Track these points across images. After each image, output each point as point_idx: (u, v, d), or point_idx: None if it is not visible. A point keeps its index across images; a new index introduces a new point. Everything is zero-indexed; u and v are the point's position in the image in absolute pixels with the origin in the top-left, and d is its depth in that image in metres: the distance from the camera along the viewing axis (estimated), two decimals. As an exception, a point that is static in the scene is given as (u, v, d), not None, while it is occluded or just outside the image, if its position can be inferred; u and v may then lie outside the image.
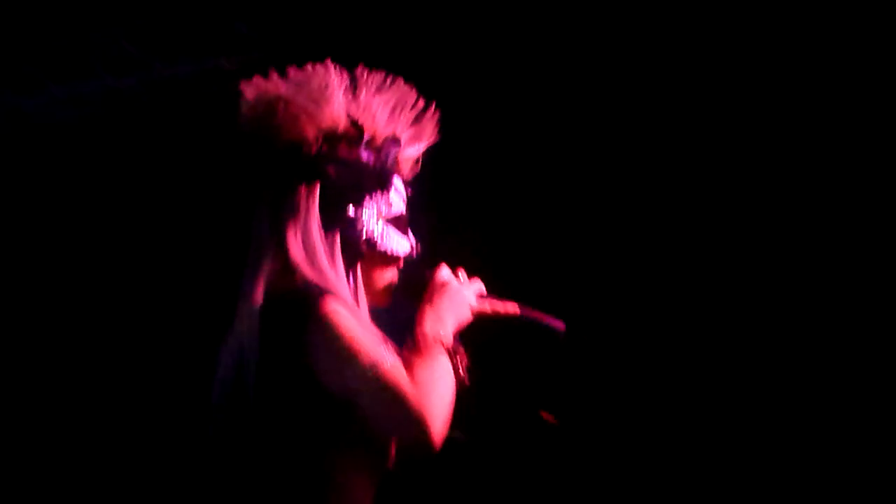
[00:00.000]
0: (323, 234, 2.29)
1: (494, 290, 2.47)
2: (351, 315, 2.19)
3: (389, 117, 2.38)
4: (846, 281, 4.14)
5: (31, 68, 4.83)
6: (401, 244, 2.40)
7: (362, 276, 2.37)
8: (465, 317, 2.36)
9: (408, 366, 2.20)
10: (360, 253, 2.35)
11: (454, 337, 2.33)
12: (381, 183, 2.35)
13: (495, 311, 2.41)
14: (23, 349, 5.06)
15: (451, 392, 2.22)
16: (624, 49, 4.34)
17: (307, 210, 2.29)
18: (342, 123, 2.34)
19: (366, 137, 2.34)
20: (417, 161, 2.46)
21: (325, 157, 2.31)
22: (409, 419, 2.14)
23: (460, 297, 2.36)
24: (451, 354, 2.28)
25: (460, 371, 2.29)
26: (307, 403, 2.17)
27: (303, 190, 2.30)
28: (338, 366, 2.15)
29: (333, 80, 2.36)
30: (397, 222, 2.40)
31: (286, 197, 2.31)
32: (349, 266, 2.34)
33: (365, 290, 2.38)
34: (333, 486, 2.19)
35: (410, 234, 2.43)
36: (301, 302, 2.17)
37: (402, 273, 2.44)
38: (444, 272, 2.42)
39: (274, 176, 2.32)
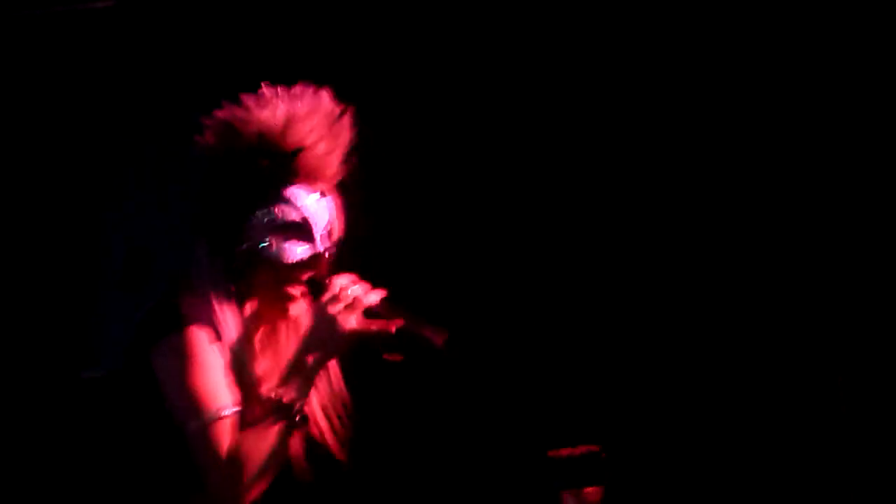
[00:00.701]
0: (212, 251, 2.39)
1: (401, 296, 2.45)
2: (206, 353, 2.23)
3: (289, 128, 2.41)
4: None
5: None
6: (290, 252, 2.40)
7: (261, 290, 2.40)
8: (337, 347, 2.32)
9: (236, 427, 2.21)
10: (249, 266, 2.38)
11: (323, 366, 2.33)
12: (262, 197, 2.40)
13: (375, 328, 2.35)
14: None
15: (260, 464, 2.21)
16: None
17: (202, 229, 2.41)
18: (241, 139, 2.41)
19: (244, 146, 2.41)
20: (340, 165, 2.48)
21: (218, 172, 2.43)
22: (206, 482, 2.21)
23: (332, 327, 2.31)
24: (290, 414, 2.24)
25: (293, 429, 2.26)
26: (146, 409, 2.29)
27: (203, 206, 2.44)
28: (170, 395, 2.25)
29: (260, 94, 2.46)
30: (294, 231, 2.40)
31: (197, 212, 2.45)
32: (243, 281, 2.38)
33: (265, 304, 2.42)
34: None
35: (319, 240, 2.43)
36: (168, 319, 2.27)
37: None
38: (336, 284, 2.37)
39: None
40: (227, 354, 2.30)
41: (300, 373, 2.26)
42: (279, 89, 2.49)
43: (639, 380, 4.22)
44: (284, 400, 2.22)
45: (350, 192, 2.55)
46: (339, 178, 2.49)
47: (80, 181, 4.78)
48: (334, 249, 2.48)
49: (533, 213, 4.43)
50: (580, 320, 4.30)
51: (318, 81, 2.55)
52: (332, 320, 2.29)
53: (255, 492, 2.22)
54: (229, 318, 2.34)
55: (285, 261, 2.39)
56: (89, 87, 4.70)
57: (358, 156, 2.53)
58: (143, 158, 4.67)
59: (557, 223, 4.41)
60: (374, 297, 2.35)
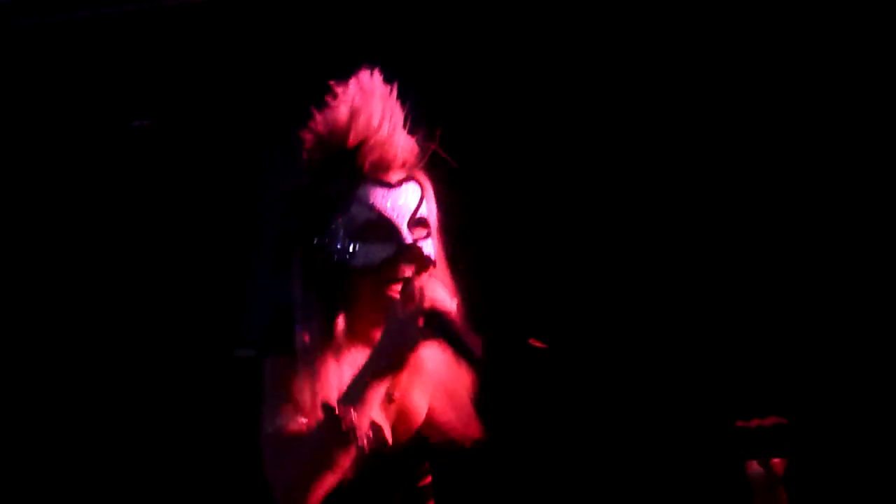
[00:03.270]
0: (303, 273, 2.34)
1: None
2: (278, 380, 2.27)
3: (351, 123, 2.35)
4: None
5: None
6: (375, 253, 2.29)
7: (362, 300, 2.31)
8: (401, 358, 2.24)
9: (304, 433, 2.25)
10: (342, 279, 2.30)
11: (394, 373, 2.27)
12: (336, 204, 2.32)
13: (435, 336, 2.26)
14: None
15: (314, 470, 2.20)
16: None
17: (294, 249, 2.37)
18: (319, 149, 2.38)
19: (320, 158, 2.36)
20: (406, 147, 2.36)
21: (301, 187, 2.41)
22: (271, 483, 2.25)
23: (400, 336, 2.22)
24: (349, 424, 2.20)
25: (359, 441, 2.22)
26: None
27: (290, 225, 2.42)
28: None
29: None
30: (373, 231, 2.30)
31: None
32: (341, 295, 2.31)
33: (362, 312, 2.32)
34: None
35: (404, 232, 2.30)
36: (269, 339, 2.35)
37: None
38: (412, 288, 2.27)
39: None
40: (308, 377, 2.29)
41: (361, 386, 2.21)
42: (342, 86, 2.42)
43: (827, 354, 4.18)
44: (341, 414, 2.18)
45: (438, 172, 2.43)
46: (413, 161, 2.37)
47: (233, 167, 4.88)
48: (433, 235, 2.37)
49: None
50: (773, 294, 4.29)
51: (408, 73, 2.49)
52: (401, 329, 2.21)
53: (318, 499, 2.22)
54: (314, 341, 2.30)
55: (372, 265, 2.29)
56: (241, 72, 4.78)
57: (429, 137, 2.42)
58: (294, 143, 4.74)
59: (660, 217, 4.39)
60: (451, 303, 2.24)
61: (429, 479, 2.52)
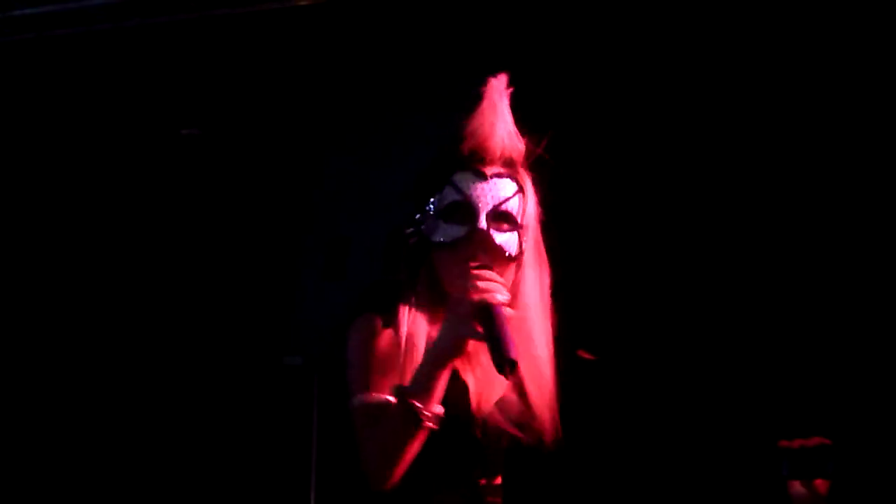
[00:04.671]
0: (408, 245, 2.46)
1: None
2: (367, 341, 2.37)
3: (471, 120, 2.45)
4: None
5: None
6: (447, 232, 2.41)
7: (439, 273, 2.43)
8: (457, 345, 2.31)
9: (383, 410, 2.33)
10: (424, 255, 2.44)
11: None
12: (435, 186, 2.45)
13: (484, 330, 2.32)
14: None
15: (392, 451, 2.30)
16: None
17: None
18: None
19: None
20: (506, 144, 2.45)
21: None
22: (363, 453, 2.34)
23: (457, 323, 2.30)
24: (416, 409, 2.29)
25: (424, 423, 2.30)
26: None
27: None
28: (348, 371, 2.41)
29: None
30: (455, 213, 2.42)
31: None
32: (423, 269, 2.44)
33: (444, 285, 2.43)
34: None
35: (482, 219, 2.41)
36: (362, 304, 2.44)
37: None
38: (474, 276, 2.35)
39: None
40: (396, 343, 2.39)
41: (424, 375, 2.31)
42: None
43: (872, 376, 4.16)
44: (408, 398, 2.29)
45: (540, 172, 2.51)
46: (515, 159, 2.46)
47: (283, 174, 4.91)
48: (522, 234, 2.44)
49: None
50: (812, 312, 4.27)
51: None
52: (455, 322, 2.30)
53: (397, 474, 2.31)
54: (405, 309, 2.41)
55: (444, 240, 2.41)
56: (293, 83, 4.81)
57: (535, 137, 2.50)
58: (345, 150, 4.76)
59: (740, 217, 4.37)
60: (502, 296, 2.31)
61: (498, 479, 2.54)
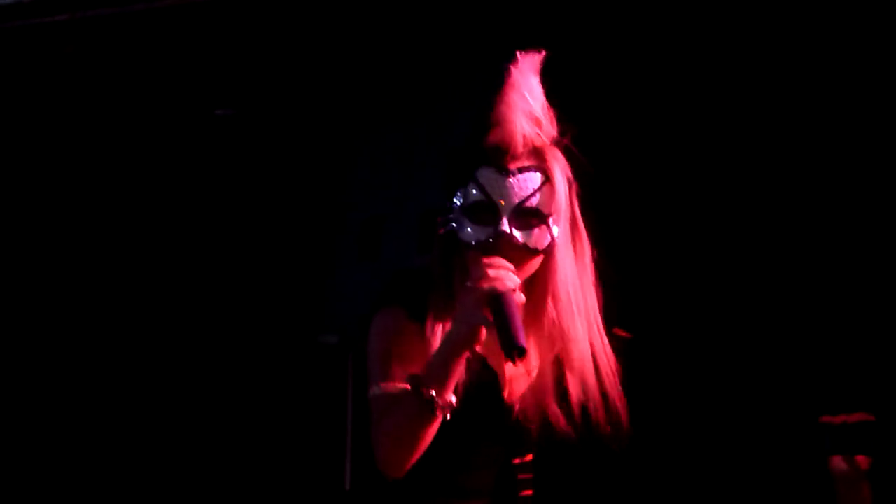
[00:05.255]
0: (439, 237, 2.44)
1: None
2: (390, 333, 2.35)
3: (496, 109, 2.41)
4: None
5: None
6: (471, 233, 2.36)
7: (467, 267, 2.37)
8: (469, 335, 2.28)
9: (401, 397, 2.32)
10: (450, 251, 2.41)
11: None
12: (460, 180, 2.42)
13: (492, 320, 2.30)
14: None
15: (405, 441, 2.29)
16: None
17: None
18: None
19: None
20: (531, 139, 2.40)
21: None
22: (374, 444, 2.34)
23: (467, 311, 2.28)
24: (429, 397, 2.27)
25: (436, 411, 2.28)
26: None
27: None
28: (367, 362, 2.39)
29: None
30: (479, 211, 2.37)
31: None
32: (456, 261, 2.41)
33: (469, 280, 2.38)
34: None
35: (504, 220, 2.35)
36: (386, 296, 2.41)
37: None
38: (484, 265, 2.32)
39: None
40: (421, 336, 2.36)
41: (438, 365, 2.28)
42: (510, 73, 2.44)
43: None
44: (423, 389, 2.26)
45: (570, 168, 2.43)
46: (537, 146, 2.40)
47: (318, 157, 4.93)
48: (551, 226, 2.39)
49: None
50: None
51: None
52: (467, 310, 2.28)
53: (407, 463, 2.30)
54: (433, 302, 2.38)
55: (469, 241, 2.36)
56: (328, 69, 4.82)
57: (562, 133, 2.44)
58: (381, 130, 4.77)
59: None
60: (511, 283, 2.28)
61: (529, 456, 2.55)
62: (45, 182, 5.14)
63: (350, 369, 4.77)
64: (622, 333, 2.84)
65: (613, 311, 2.56)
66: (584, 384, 2.44)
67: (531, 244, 2.35)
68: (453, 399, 2.28)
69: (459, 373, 2.28)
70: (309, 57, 4.88)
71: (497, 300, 2.23)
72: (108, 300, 5.08)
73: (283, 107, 4.94)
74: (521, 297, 2.28)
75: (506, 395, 2.46)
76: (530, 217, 2.36)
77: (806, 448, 3.67)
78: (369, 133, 4.78)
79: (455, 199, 2.39)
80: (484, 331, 2.26)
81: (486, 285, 2.25)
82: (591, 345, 2.44)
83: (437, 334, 2.35)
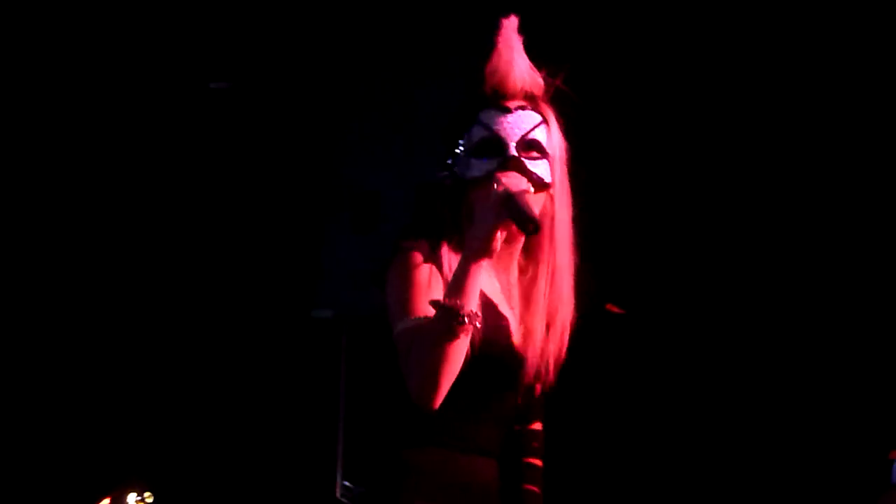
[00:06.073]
0: (445, 185, 2.51)
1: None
2: (412, 270, 2.40)
3: (491, 60, 2.51)
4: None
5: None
6: (480, 167, 2.46)
7: (476, 209, 2.44)
8: (486, 240, 2.36)
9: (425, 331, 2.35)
10: (460, 195, 2.49)
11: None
12: (463, 127, 2.51)
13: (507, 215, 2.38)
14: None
15: (437, 365, 2.32)
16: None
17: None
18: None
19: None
20: (526, 76, 2.50)
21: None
22: (406, 381, 2.35)
23: (483, 219, 2.37)
24: (454, 306, 2.31)
25: (462, 322, 2.31)
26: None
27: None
28: (389, 304, 2.43)
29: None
30: (485, 148, 2.48)
31: None
32: (463, 207, 2.47)
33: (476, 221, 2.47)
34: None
35: (512, 148, 2.46)
36: (399, 245, 2.46)
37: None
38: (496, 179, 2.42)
39: None
40: (440, 272, 2.43)
41: (459, 277, 2.35)
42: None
43: None
44: (447, 302, 2.31)
45: (561, 104, 2.53)
46: (536, 92, 2.51)
47: (312, 130, 4.92)
48: (551, 162, 2.49)
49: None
50: None
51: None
52: (481, 212, 2.38)
53: (442, 389, 2.32)
54: (446, 245, 2.45)
55: (478, 174, 2.46)
56: (319, 39, 4.81)
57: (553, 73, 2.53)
58: (370, 105, 4.76)
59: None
60: (524, 185, 2.40)
61: (539, 424, 2.59)
62: (34, 154, 5.12)
63: (344, 344, 4.77)
64: (615, 309, 2.82)
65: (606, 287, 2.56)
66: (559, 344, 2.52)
67: (539, 173, 2.47)
68: (478, 310, 2.33)
69: (478, 284, 2.35)
70: (304, 30, 4.86)
71: (511, 198, 2.35)
72: (97, 279, 5.07)
73: (277, 80, 4.93)
74: (532, 192, 2.41)
75: (516, 342, 2.50)
76: (533, 150, 2.49)
77: (873, 481, 3.66)
78: (363, 106, 4.77)
79: (458, 149, 2.50)
80: (500, 233, 2.35)
81: (501, 188, 2.36)
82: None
83: (453, 272, 2.39)
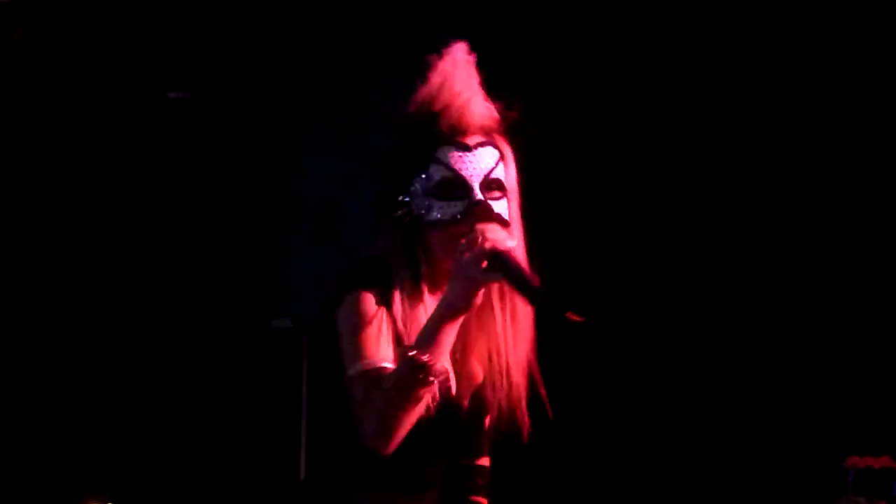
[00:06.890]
0: (390, 224, 2.43)
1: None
2: (371, 313, 2.34)
3: (440, 91, 2.43)
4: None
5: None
6: (447, 210, 2.39)
7: (434, 254, 2.40)
8: (467, 298, 2.30)
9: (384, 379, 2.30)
10: (420, 235, 2.41)
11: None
12: (418, 164, 2.42)
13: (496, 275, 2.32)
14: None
15: (396, 416, 2.28)
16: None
17: (383, 206, 2.48)
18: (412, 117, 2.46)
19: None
20: (484, 112, 2.44)
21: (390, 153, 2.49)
22: (359, 425, 2.32)
23: (464, 275, 2.30)
24: (422, 363, 2.26)
25: (430, 378, 2.28)
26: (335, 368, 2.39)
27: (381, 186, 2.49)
28: (341, 345, 2.37)
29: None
30: (448, 189, 2.40)
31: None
32: (420, 250, 2.42)
33: (440, 265, 2.41)
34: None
35: (476, 190, 2.39)
36: (352, 280, 2.39)
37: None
38: (476, 231, 2.35)
39: None
40: (393, 317, 2.37)
41: (432, 330, 2.29)
42: (436, 58, 2.47)
43: None
44: (415, 357, 2.25)
45: (517, 137, 2.48)
46: (493, 127, 2.45)
47: (269, 140, 4.91)
48: (510, 198, 2.44)
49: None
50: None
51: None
52: (465, 271, 2.30)
53: (399, 437, 2.29)
54: (400, 285, 2.39)
55: (444, 220, 2.38)
56: (275, 49, 4.81)
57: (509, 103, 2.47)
58: (328, 115, 4.76)
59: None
60: (511, 242, 2.33)
61: (487, 459, 2.54)
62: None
63: (304, 354, 4.76)
64: (575, 318, 2.84)
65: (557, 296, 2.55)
66: (512, 388, 2.45)
67: (504, 214, 2.40)
68: (447, 368, 2.32)
69: (452, 340, 2.31)
70: (260, 38, 4.85)
71: (500, 257, 2.27)
72: (54, 289, 5.04)
73: (235, 89, 4.91)
74: (521, 255, 2.36)
75: (454, 391, 2.45)
76: (494, 189, 2.42)
77: (829, 486, 3.66)
78: (321, 114, 4.76)
79: (415, 185, 2.41)
80: (482, 292, 2.30)
81: (488, 245, 2.28)
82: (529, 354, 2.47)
83: (413, 319, 2.35)
